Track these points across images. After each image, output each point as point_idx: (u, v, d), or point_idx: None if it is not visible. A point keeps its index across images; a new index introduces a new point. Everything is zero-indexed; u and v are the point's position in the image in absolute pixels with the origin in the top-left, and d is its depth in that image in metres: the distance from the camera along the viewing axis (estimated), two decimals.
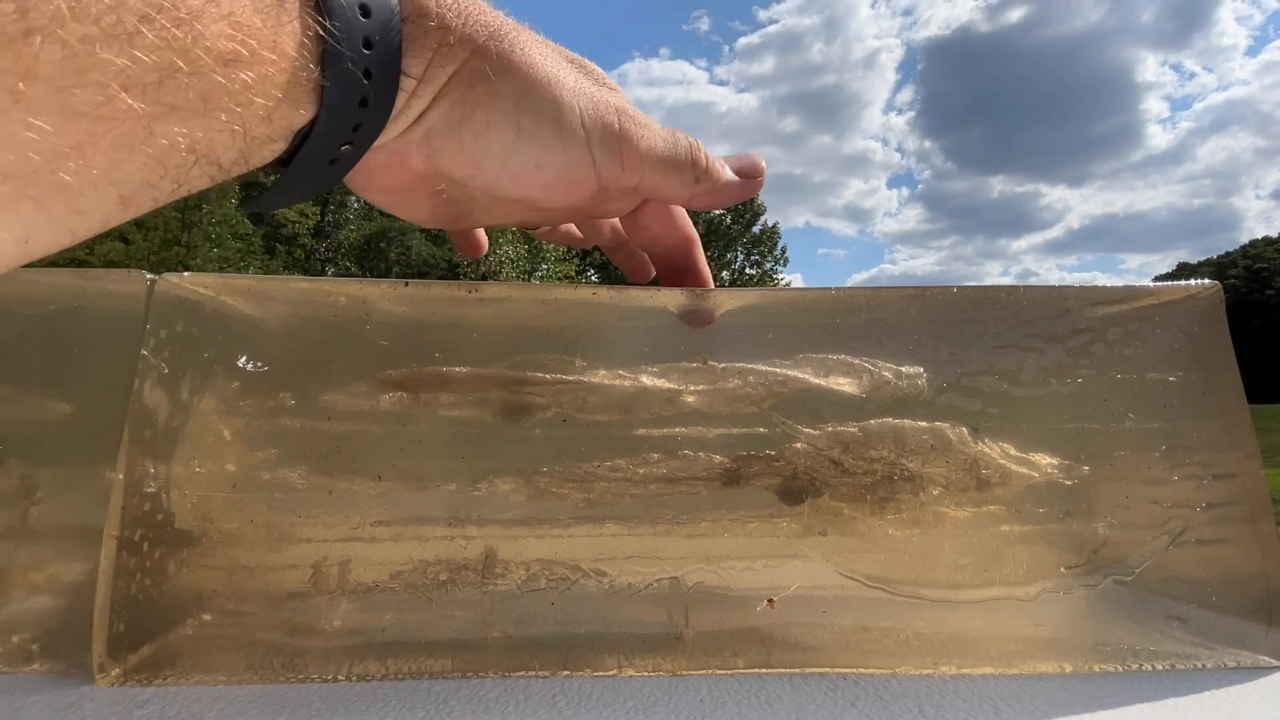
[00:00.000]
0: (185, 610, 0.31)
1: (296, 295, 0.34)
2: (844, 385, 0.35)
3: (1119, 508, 0.31)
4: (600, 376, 0.35)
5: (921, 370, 0.34)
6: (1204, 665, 0.28)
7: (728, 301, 0.34)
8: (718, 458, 0.34)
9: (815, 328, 0.34)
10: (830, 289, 0.33)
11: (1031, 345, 0.33)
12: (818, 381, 0.35)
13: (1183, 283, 0.33)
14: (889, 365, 0.34)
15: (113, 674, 0.27)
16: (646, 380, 0.35)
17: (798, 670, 0.28)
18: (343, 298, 0.34)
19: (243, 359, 0.32)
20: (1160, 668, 0.28)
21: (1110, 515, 0.31)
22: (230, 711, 0.25)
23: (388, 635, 0.31)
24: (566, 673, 0.28)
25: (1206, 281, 0.32)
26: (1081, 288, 0.33)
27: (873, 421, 0.34)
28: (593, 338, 0.35)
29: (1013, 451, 0.34)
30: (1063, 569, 0.30)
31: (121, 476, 0.30)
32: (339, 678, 0.27)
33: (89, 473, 0.31)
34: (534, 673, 0.28)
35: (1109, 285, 0.33)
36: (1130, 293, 0.33)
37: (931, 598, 0.30)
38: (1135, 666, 0.28)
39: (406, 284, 0.34)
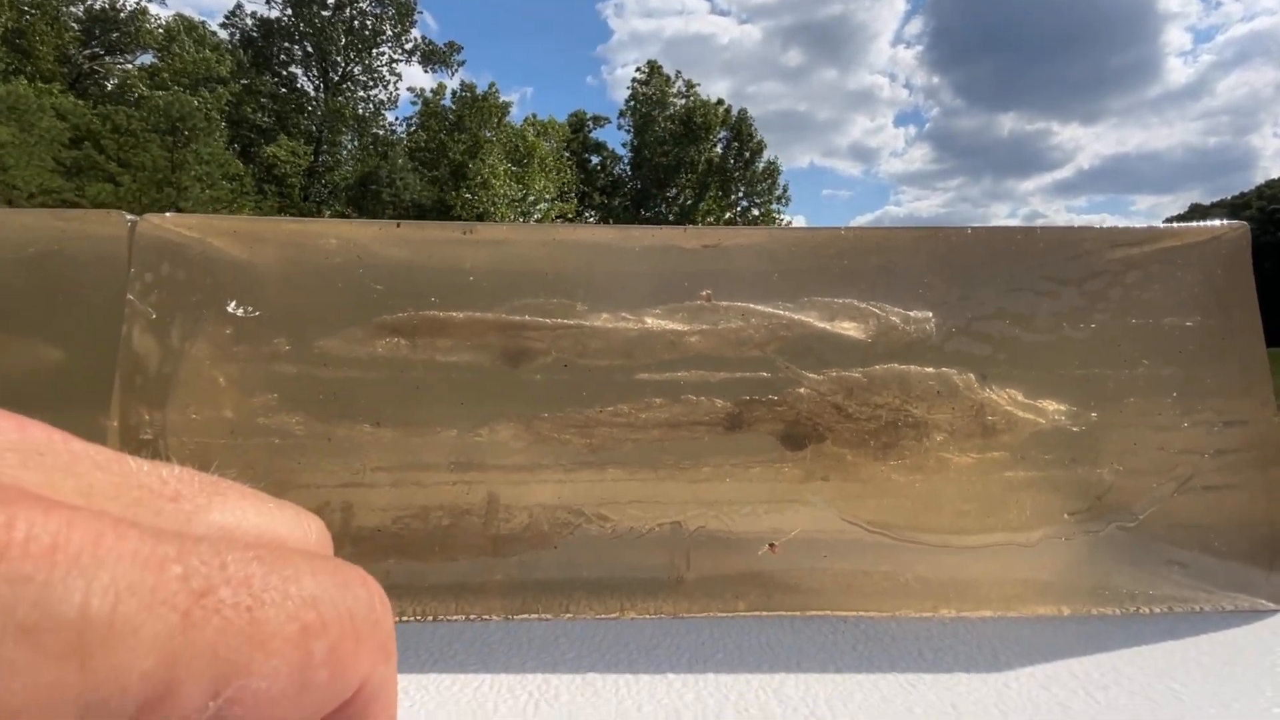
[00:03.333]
0: None
1: (285, 237, 0.33)
2: (850, 329, 0.34)
3: (1126, 454, 0.31)
4: (602, 320, 0.34)
5: (930, 314, 0.33)
6: (1202, 609, 0.28)
7: (734, 239, 0.33)
8: (720, 402, 0.34)
9: (822, 270, 0.33)
10: (839, 229, 0.32)
11: (1045, 289, 0.32)
12: (823, 325, 0.34)
13: (1208, 224, 0.31)
14: (897, 309, 0.33)
15: None
16: (650, 322, 0.34)
17: (798, 613, 0.28)
18: (333, 239, 0.33)
19: (233, 304, 0.31)
20: (1158, 611, 0.28)
21: (1117, 462, 0.31)
22: None
23: (392, 579, 0.31)
24: (569, 615, 0.28)
25: (1234, 223, 0.31)
26: (1101, 229, 0.32)
27: (878, 366, 0.33)
28: (594, 280, 0.34)
29: (1020, 398, 0.33)
30: (1066, 515, 0.30)
31: (116, 424, 0.29)
32: None
33: (83, 419, 0.31)
34: (537, 615, 0.28)
35: (1131, 226, 0.32)
36: (1152, 234, 0.32)
37: (933, 543, 0.30)
38: (1133, 610, 0.28)
39: (399, 225, 0.32)
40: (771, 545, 0.31)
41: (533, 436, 0.34)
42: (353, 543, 0.32)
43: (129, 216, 0.30)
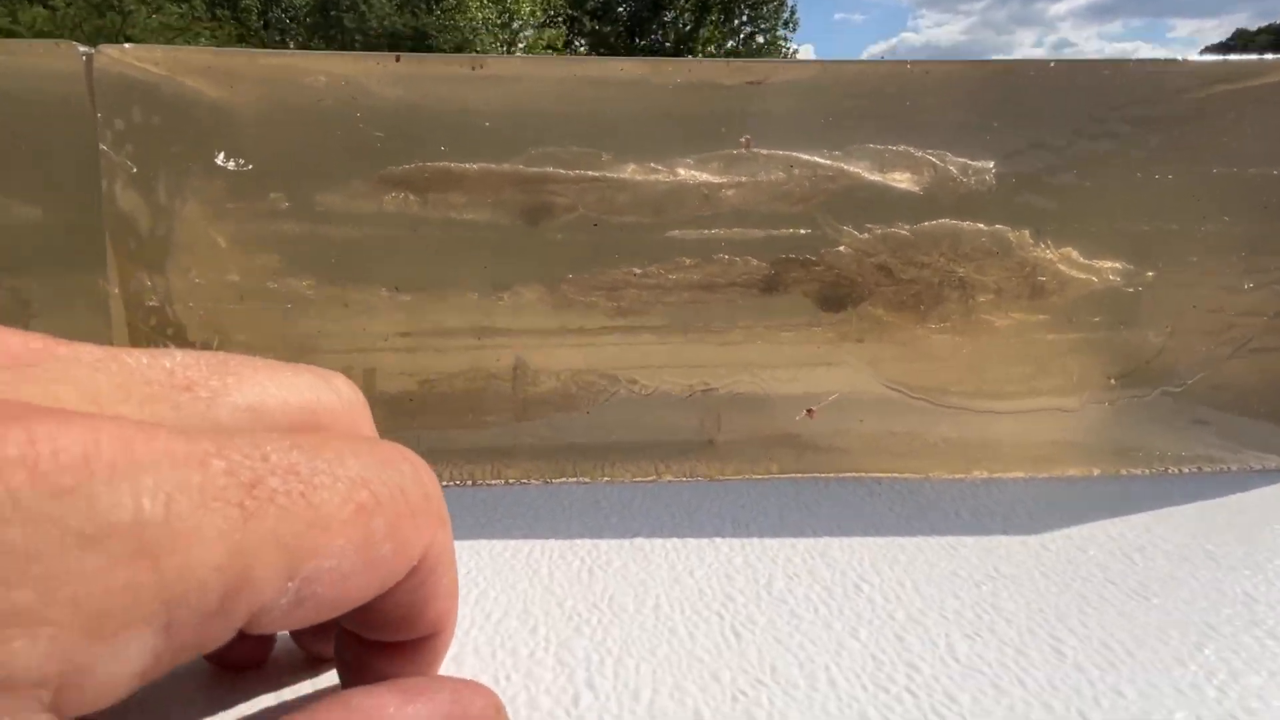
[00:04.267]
0: None
1: (266, 74, 0.28)
2: (902, 181, 0.31)
3: (1183, 316, 0.30)
4: (630, 171, 0.31)
5: (992, 164, 0.30)
6: (1230, 469, 0.29)
7: (781, 75, 0.29)
8: (756, 262, 0.32)
9: (878, 113, 0.29)
10: (905, 63, 0.28)
11: (1125, 133, 0.29)
12: (873, 177, 0.31)
13: None
14: (957, 158, 0.30)
15: None
16: (682, 173, 0.31)
17: (832, 475, 0.29)
18: (322, 76, 0.29)
19: (219, 154, 0.28)
20: (1186, 471, 0.29)
21: (1171, 324, 0.30)
22: None
23: (424, 443, 0.31)
24: (606, 479, 0.28)
25: None
26: (1200, 62, 0.28)
27: (929, 223, 0.31)
28: (620, 124, 0.30)
29: (1076, 256, 0.31)
30: (1111, 380, 0.29)
31: (117, 290, 0.27)
32: None
33: (81, 282, 0.29)
34: (575, 479, 0.29)
35: (1232, 59, 0.28)
36: (1258, 67, 0.28)
37: (975, 408, 0.30)
38: (1162, 470, 0.29)
39: (398, 59, 0.28)
40: (810, 410, 0.31)
41: (558, 299, 0.32)
42: (379, 407, 0.32)
43: (82, 49, 0.25)
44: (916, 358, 0.31)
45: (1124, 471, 0.29)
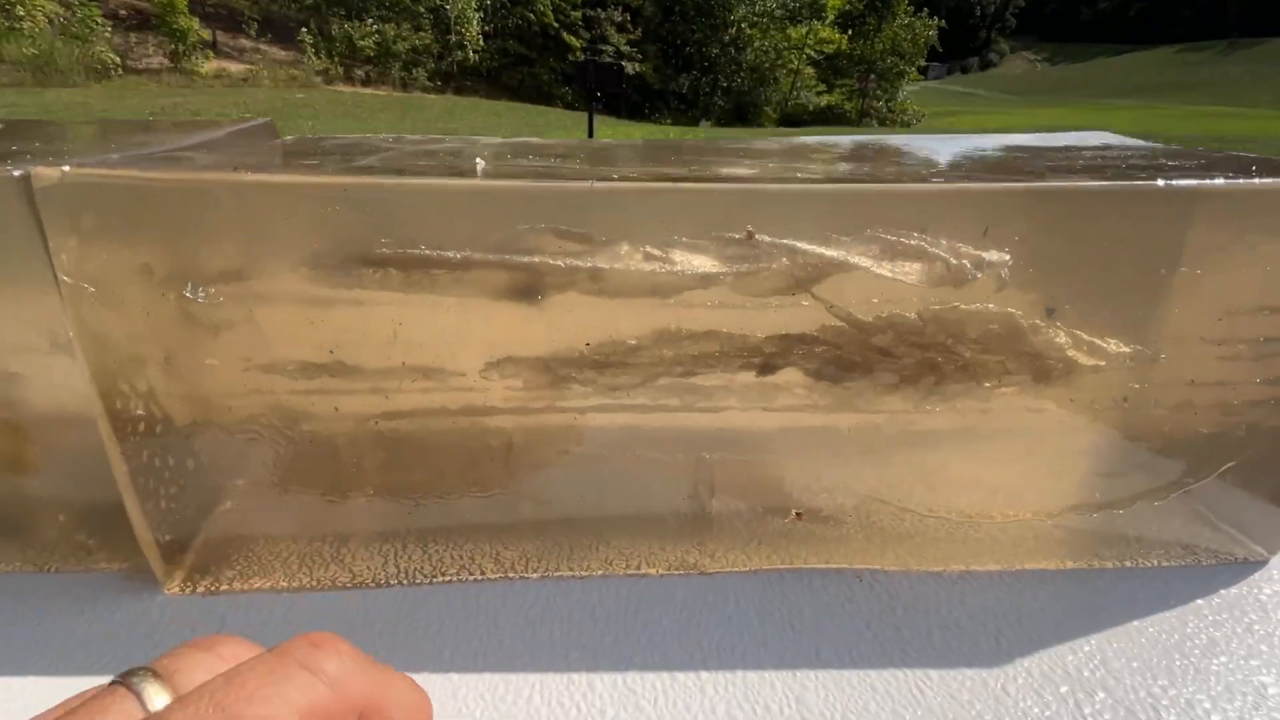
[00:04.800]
0: (217, 503, 0.32)
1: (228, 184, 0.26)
2: (912, 273, 0.29)
3: (1185, 412, 0.29)
4: (623, 254, 0.29)
5: (1008, 258, 0.29)
6: (1200, 561, 0.30)
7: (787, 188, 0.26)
8: (753, 341, 0.31)
9: (888, 218, 0.27)
10: (938, 188, 0.26)
11: (1152, 243, 0.27)
12: (881, 268, 0.29)
13: None
14: (972, 252, 0.29)
15: (178, 580, 0.29)
16: (678, 256, 0.30)
17: (818, 566, 0.30)
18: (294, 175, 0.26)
19: (189, 287, 0.27)
20: (1152, 565, 0.30)
21: (1171, 424, 0.30)
22: (297, 621, 0.28)
23: (422, 516, 0.33)
24: (602, 572, 0.30)
25: None
26: (1250, 184, 0.26)
27: (935, 308, 0.30)
28: (612, 208, 0.28)
29: (1084, 341, 0.30)
30: (1097, 493, 0.30)
31: (102, 409, 0.27)
32: (389, 581, 0.29)
33: (66, 399, 0.28)
34: (571, 573, 0.30)
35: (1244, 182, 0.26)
36: (1263, 187, 0.25)
37: (957, 519, 0.31)
38: (1130, 563, 0.30)
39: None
40: (799, 514, 0.31)
41: (550, 376, 0.31)
42: (375, 483, 0.33)
43: (15, 171, 0.23)
44: (909, 458, 0.31)
45: (1095, 564, 0.30)
